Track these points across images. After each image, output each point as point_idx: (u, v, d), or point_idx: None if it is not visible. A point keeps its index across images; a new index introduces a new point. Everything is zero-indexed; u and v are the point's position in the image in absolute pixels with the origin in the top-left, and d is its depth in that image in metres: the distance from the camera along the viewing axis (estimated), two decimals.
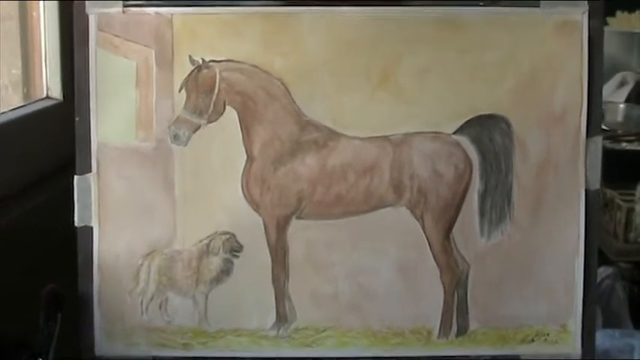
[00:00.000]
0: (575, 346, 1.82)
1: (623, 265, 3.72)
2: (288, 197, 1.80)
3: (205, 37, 1.78)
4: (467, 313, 1.82)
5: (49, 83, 2.24)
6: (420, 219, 1.80)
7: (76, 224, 1.81)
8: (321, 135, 1.80)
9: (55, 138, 2.04)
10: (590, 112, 1.79)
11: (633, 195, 3.57)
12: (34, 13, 2.23)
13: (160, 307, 1.82)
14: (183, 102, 1.78)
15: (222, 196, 1.80)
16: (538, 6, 1.78)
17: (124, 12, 1.78)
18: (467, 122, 1.79)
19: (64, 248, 1.83)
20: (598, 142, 1.81)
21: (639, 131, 4.25)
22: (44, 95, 2.23)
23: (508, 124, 1.79)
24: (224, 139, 1.79)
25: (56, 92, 2.23)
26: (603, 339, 2.31)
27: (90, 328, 1.81)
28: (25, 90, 2.22)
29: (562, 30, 1.78)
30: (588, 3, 1.78)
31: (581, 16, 1.78)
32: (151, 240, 1.81)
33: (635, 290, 3.83)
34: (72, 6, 1.80)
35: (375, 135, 1.80)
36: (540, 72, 1.78)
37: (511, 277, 1.81)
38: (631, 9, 4.76)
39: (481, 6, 1.79)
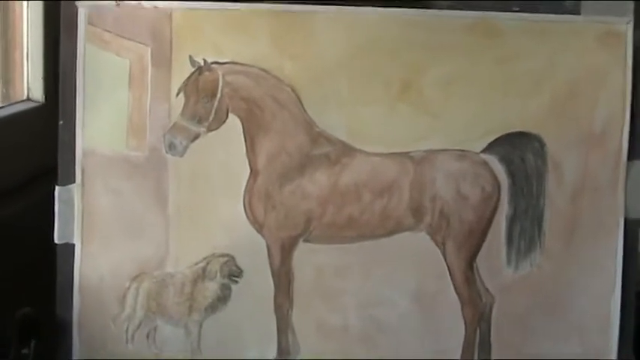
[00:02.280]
0: None
1: None
2: (294, 217, 1.66)
3: (208, 35, 1.64)
4: (489, 350, 1.70)
5: (30, 84, 2.10)
6: (442, 245, 1.67)
7: (56, 241, 1.68)
8: (334, 149, 1.66)
9: (35, 143, 1.91)
10: (633, 131, 1.66)
11: None
12: (16, 7, 2.08)
13: (148, 337, 1.70)
14: (181, 107, 1.65)
15: (221, 213, 1.67)
16: (579, 13, 1.66)
17: (117, 5, 1.65)
18: (496, 140, 1.66)
19: (42, 266, 1.71)
20: None
21: None
22: (24, 97, 2.08)
23: (542, 144, 1.66)
24: (225, 150, 1.66)
25: (37, 94, 2.09)
26: None
27: (68, 357, 1.69)
28: (3, 90, 2.07)
29: (604, 41, 1.65)
30: (634, 12, 1.65)
31: (625, 26, 1.65)
32: (139, 261, 1.68)
33: None
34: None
35: (394, 151, 1.67)
36: (579, 86, 1.65)
37: (540, 312, 1.69)
38: None
39: (516, 12, 1.66)
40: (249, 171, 1.65)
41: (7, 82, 2.07)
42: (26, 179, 1.92)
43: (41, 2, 2.02)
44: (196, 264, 1.67)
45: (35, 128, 1.95)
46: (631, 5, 1.65)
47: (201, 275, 1.67)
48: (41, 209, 1.69)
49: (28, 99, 2.07)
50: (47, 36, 2.02)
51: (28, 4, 2.04)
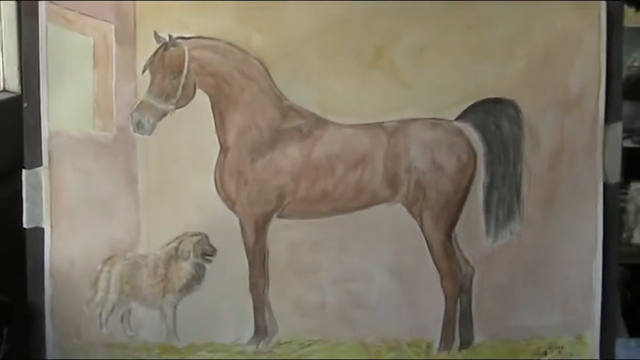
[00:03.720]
0: None
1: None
2: (267, 193, 1.63)
3: (173, 10, 1.60)
4: (471, 323, 1.66)
5: (6, 74, 2.06)
6: (418, 217, 1.64)
7: (24, 225, 1.65)
8: (306, 122, 1.63)
9: (12, 134, 1.86)
10: (609, 95, 1.63)
11: (626, 194, 3.46)
12: None
13: (122, 320, 1.67)
14: (148, 85, 1.61)
15: (192, 192, 1.63)
16: None
17: None
18: (471, 107, 1.63)
19: (13, 252, 1.67)
20: (618, 129, 1.65)
21: (630, 128, 4.18)
22: (0, 88, 2.05)
23: (517, 109, 1.63)
24: (194, 127, 1.63)
25: (13, 84, 2.05)
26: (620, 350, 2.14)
27: (41, 343, 1.66)
28: None
29: (578, 5, 1.62)
30: None
31: None
32: (111, 243, 1.65)
33: (628, 295, 3.72)
34: None
35: (366, 122, 1.63)
36: (554, 51, 1.62)
37: (521, 282, 1.66)
38: None
39: None
40: (219, 147, 1.62)
41: None
42: (3, 170, 1.88)
43: None
44: (169, 244, 1.64)
45: (11, 119, 1.90)
46: None
47: (174, 255, 1.64)
48: (16, 198, 1.67)
49: (4, 90, 2.04)
50: (21, 27, 1.95)
51: None
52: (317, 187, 1.63)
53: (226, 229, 1.63)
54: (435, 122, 1.62)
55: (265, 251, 1.63)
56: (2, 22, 2.03)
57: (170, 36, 1.59)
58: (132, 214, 1.63)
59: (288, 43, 1.61)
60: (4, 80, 2.06)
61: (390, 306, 1.65)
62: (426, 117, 1.62)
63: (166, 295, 1.65)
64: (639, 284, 3.49)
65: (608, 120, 1.63)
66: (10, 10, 2.02)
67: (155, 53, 1.60)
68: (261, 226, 1.63)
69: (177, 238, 1.64)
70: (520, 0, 1.61)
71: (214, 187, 1.62)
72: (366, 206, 1.63)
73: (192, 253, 1.63)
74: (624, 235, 3.40)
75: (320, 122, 1.62)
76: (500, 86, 1.62)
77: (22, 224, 1.64)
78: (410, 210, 1.63)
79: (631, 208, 3.43)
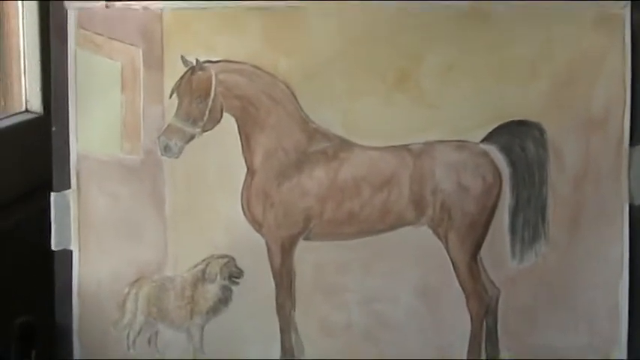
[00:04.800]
0: None
1: None
2: (294, 215, 1.64)
3: (200, 34, 1.62)
4: (497, 343, 1.66)
5: (28, 95, 2.09)
6: (444, 238, 1.64)
7: (53, 247, 1.66)
8: (331, 145, 1.63)
9: (34, 155, 1.89)
10: (634, 116, 1.63)
11: None
12: (12, 19, 2.06)
13: (150, 342, 1.67)
14: (175, 108, 1.62)
15: (219, 214, 1.64)
16: None
17: (107, 7, 1.63)
18: (496, 129, 1.63)
19: (41, 274, 1.69)
20: None
21: None
22: (23, 108, 2.07)
23: (542, 131, 1.63)
24: (221, 149, 1.63)
25: (36, 105, 2.08)
26: None
27: None
28: (1, 102, 2.06)
29: (601, 24, 1.62)
30: None
31: (622, 9, 1.61)
32: (138, 265, 1.65)
33: None
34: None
35: (392, 144, 1.64)
36: (577, 71, 1.62)
37: (546, 303, 1.65)
38: None
39: None
40: (245, 170, 1.63)
41: (6, 94, 2.06)
42: (26, 190, 1.90)
43: (37, 13, 2.01)
44: (196, 266, 1.65)
45: (34, 139, 1.92)
46: None
47: (201, 278, 1.64)
48: (42, 219, 1.68)
49: (27, 111, 2.06)
50: (44, 47, 1.99)
51: (23, 15, 2.03)
52: (343, 209, 1.63)
53: (253, 252, 1.63)
54: (461, 144, 1.63)
55: (292, 273, 1.64)
56: (25, 44, 2.05)
57: (197, 60, 1.60)
58: (159, 237, 1.64)
59: (314, 65, 1.62)
60: (26, 101, 2.08)
61: (415, 326, 1.65)
62: (451, 139, 1.63)
63: (193, 318, 1.65)
64: None
65: (633, 141, 1.63)
66: (33, 32, 2.04)
67: (182, 77, 1.61)
68: (287, 248, 1.63)
69: (204, 260, 1.64)
70: (542, 20, 1.60)
71: (241, 210, 1.63)
72: (391, 228, 1.64)
73: (219, 275, 1.64)
74: None
75: (346, 145, 1.63)
76: (525, 107, 1.62)
77: (49, 245, 1.65)
78: (435, 231, 1.63)
79: None
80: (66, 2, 1.62)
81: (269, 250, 1.63)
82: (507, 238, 1.64)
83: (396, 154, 1.63)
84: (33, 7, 2.02)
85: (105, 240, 1.65)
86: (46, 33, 1.95)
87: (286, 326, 1.64)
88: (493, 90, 1.62)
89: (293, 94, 1.61)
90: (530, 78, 1.61)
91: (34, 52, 2.04)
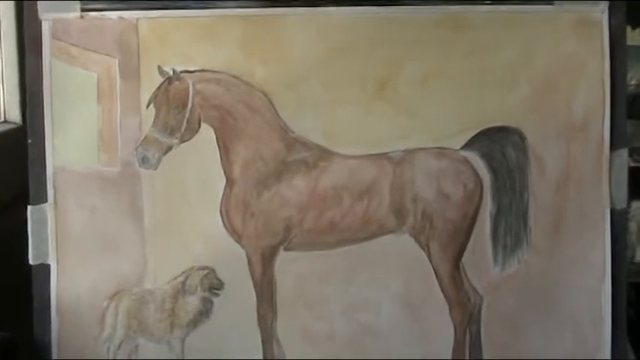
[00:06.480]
0: None
1: None
2: (274, 225, 1.62)
3: (176, 43, 1.61)
4: (481, 351, 1.65)
5: (7, 105, 2.08)
6: (426, 247, 1.63)
7: (30, 262, 1.63)
8: (311, 154, 1.62)
9: (13, 165, 1.86)
10: (613, 120, 1.63)
11: (628, 213, 3.45)
12: None
13: (130, 356, 1.65)
14: (152, 119, 1.61)
15: (198, 225, 1.63)
16: (552, 3, 1.62)
17: (82, 17, 1.61)
18: (476, 136, 1.63)
19: (19, 289, 1.66)
20: (623, 155, 1.64)
21: (630, 147, 4.18)
22: (1, 119, 2.07)
23: (522, 137, 1.63)
24: (199, 160, 1.62)
25: (14, 115, 2.07)
26: None
27: None
28: None
29: (580, 29, 1.62)
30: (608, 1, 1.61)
31: (600, 14, 1.62)
32: (117, 278, 1.63)
33: (632, 313, 3.72)
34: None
35: (372, 152, 1.63)
36: (557, 76, 1.62)
37: (530, 309, 1.65)
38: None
39: (488, 4, 1.62)
40: (224, 180, 1.62)
41: None
42: (5, 201, 1.88)
43: (14, 24, 2.01)
44: (175, 278, 1.63)
45: (13, 150, 1.89)
46: None
47: (182, 290, 1.63)
48: (21, 232, 1.65)
49: (5, 121, 2.05)
50: (22, 58, 1.95)
51: (0, 25, 2.03)
52: (324, 218, 1.62)
53: (233, 263, 1.62)
54: (441, 152, 1.62)
55: (273, 284, 1.63)
56: (3, 54, 2.04)
57: (174, 70, 1.59)
58: (138, 249, 1.62)
59: (293, 74, 1.61)
60: (5, 111, 2.07)
61: (398, 336, 1.64)
62: (431, 146, 1.62)
63: (174, 330, 1.64)
64: None
65: (613, 146, 1.63)
66: (10, 42, 2.04)
67: (159, 87, 1.60)
68: (268, 259, 1.62)
69: (184, 272, 1.63)
70: (520, 26, 1.61)
71: (221, 221, 1.62)
72: (373, 237, 1.63)
73: (199, 287, 1.62)
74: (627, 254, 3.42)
75: (325, 154, 1.62)
76: (505, 113, 1.62)
77: (26, 258, 1.63)
78: (417, 240, 1.63)
79: (633, 226, 3.42)
80: (40, 13, 1.60)
81: (249, 260, 1.62)
82: (489, 244, 1.64)
83: (376, 163, 1.62)
84: (10, 18, 2.02)
85: (83, 253, 1.63)
86: (23, 43, 1.96)
87: (268, 337, 1.63)
88: (473, 96, 1.62)
89: (271, 102, 1.60)
90: (510, 84, 1.61)
91: (13, 61, 2.04)
